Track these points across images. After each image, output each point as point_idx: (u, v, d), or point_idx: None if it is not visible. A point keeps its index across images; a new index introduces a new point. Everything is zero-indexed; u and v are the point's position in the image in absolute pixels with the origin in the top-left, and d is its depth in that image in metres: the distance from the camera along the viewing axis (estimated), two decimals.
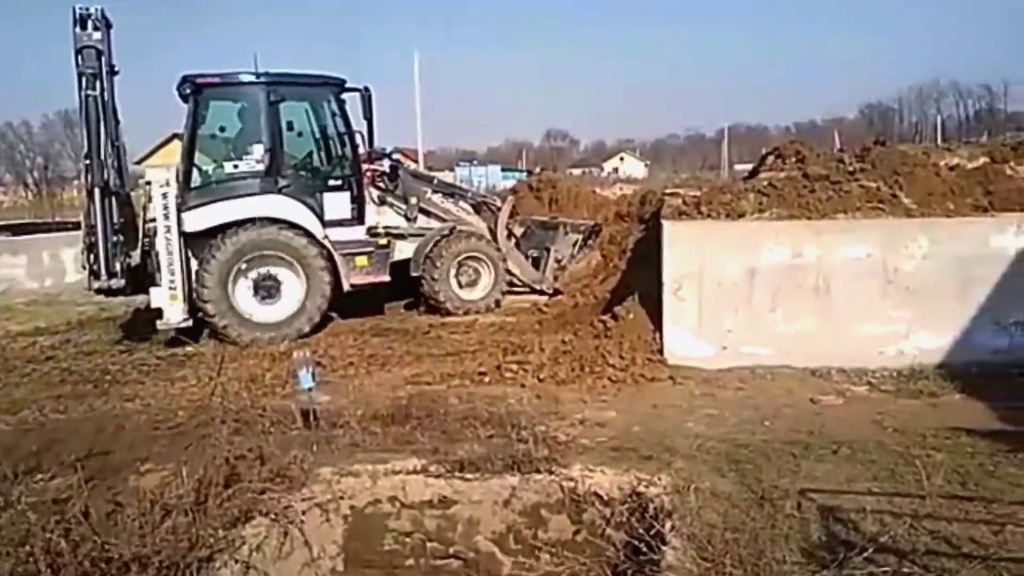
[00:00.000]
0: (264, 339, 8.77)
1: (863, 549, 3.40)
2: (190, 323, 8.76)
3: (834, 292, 6.57)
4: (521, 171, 68.70)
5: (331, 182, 9.77)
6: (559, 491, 4.47)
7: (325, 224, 9.45)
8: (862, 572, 3.28)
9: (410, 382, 6.89)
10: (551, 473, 4.54)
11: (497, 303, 10.57)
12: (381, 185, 10.34)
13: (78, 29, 8.32)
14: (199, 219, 8.89)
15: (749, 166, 16.38)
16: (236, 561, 3.82)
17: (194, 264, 8.93)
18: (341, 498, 4.50)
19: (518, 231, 11.72)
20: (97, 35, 8.37)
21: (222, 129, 9.49)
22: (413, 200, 10.42)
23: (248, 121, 9.41)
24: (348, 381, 6.97)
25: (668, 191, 10.49)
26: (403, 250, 10.26)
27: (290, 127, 9.59)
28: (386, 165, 10.69)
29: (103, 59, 8.47)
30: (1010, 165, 10.03)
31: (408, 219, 10.37)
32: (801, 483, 4.26)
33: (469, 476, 4.58)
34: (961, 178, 7.41)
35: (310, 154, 10.03)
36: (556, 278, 11.13)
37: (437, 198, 10.82)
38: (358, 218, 9.83)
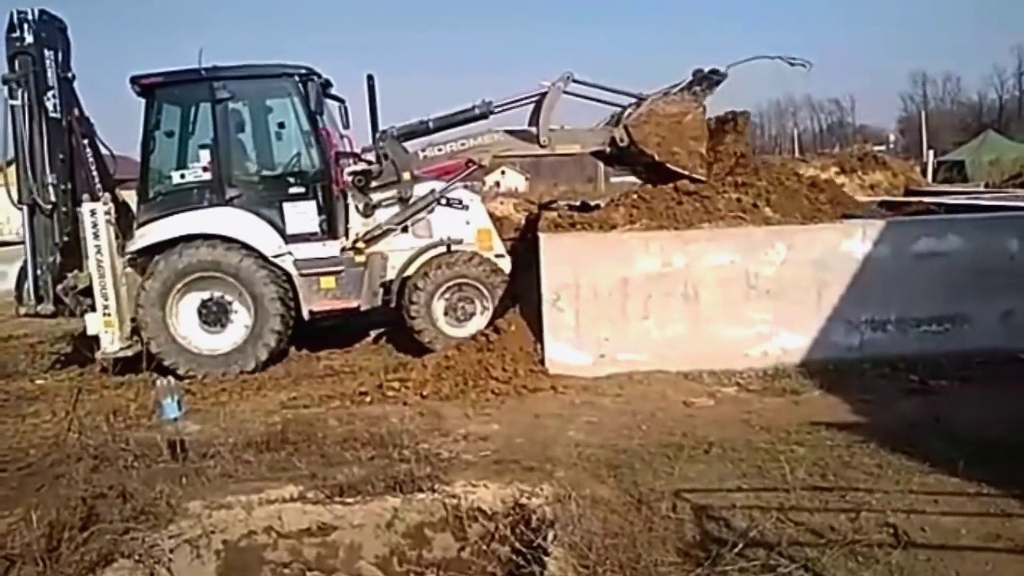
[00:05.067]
0: (202, 372, 7.85)
1: (734, 545, 3.55)
2: (130, 352, 7.90)
3: (702, 298, 6.86)
4: None
5: (293, 190, 8.26)
6: (442, 509, 4.42)
7: (288, 239, 8.17)
8: (734, 568, 3.41)
9: (286, 406, 6.66)
10: (434, 491, 4.48)
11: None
12: (371, 187, 8.53)
13: (13, 34, 7.64)
14: (144, 236, 8.06)
15: (624, 179, 16.94)
16: None
17: None
18: (213, 532, 4.26)
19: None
20: (30, 39, 7.66)
21: (170, 134, 8.34)
22: (406, 175, 8.44)
23: (194, 124, 8.41)
24: (220, 408, 6.65)
25: (545, 203, 10.68)
26: (398, 262, 8.49)
27: (242, 128, 8.48)
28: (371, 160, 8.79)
29: (47, 65, 7.76)
30: (858, 174, 10.85)
31: (403, 200, 8.50)
32: (676, 484, 4.41)
33: (349, 500, 4.46)
34: (815, 187, 7.93)
35: (268, 158, 8.72)
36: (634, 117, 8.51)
37: (432, 150, 8.68)
38: (330, 231, 8.29)
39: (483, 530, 4.38)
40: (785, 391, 6.32)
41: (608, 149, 8.62)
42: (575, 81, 8.43)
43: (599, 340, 6.88)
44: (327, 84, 8.92)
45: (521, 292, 7.94)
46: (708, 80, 8.24)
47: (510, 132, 8.71)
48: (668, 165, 8.20)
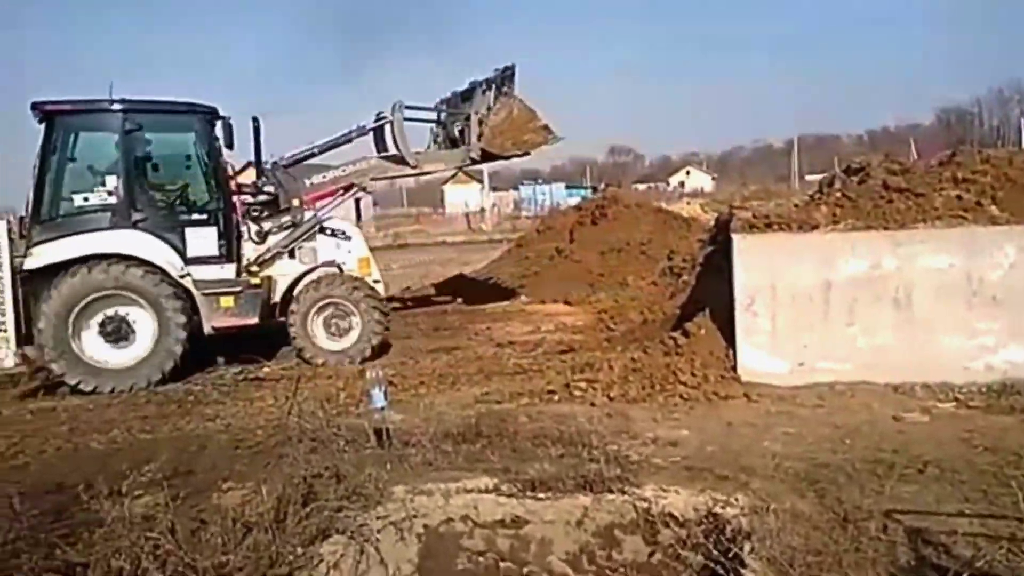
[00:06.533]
0: (107, 386, 8.16)
1: (957, 574, 3.24)
2: (24, 367, 8.32)
3: (916, 304, 6.33)
4: (585, 188, 68.85)
5: (195, 216, 8.97)
6: (632, 511, 4.41)
7: (188, 261, 8.72)
8: None
9: (479, 400, 6.92)
10: (624, 493, 4.48)
11: (368, 355, 9.16)
12: (261, 216, 9.51)
13: None
14: (41, 256, 8.29)
15: (820, 176, 15.99)
16: None
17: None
18: (415, 516, 4.51)
19: (443, 115, 11.03)
20: None
21: (73, 159, 8.69)
22: (295, 202, 9.49)
23: (101, 151, 8.83)
24: (419, 400, 7.03)
25: (736, 204, 10.34)
26: (284, 285, 9.41)
27: (149, 157, 8.93)
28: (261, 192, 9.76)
29: None
30: None
31: (296, 224, 9.47)
32: (886, 504, 4.08)
33: (541, 496, 4.55)
34: None
35: (172, 186, 9.25)
36: (480, 136, 10.24)
37: (318, 178, 9.96)
38: (227, 255, 9.01)
39: (674, 536, 4.31)
40: (1014, 409, 5.68)
41: (468, 163, 11.10)
42: (407, 107, 10.26)
43: (797, 347, 6.54)
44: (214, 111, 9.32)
45: (710, 296, 7.73)
46: (505, 76, 10.33)
47: (384, 158, 10.21)
48: (531, 151, 10.76)
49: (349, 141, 10.31)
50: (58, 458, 5.84)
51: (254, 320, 9.01)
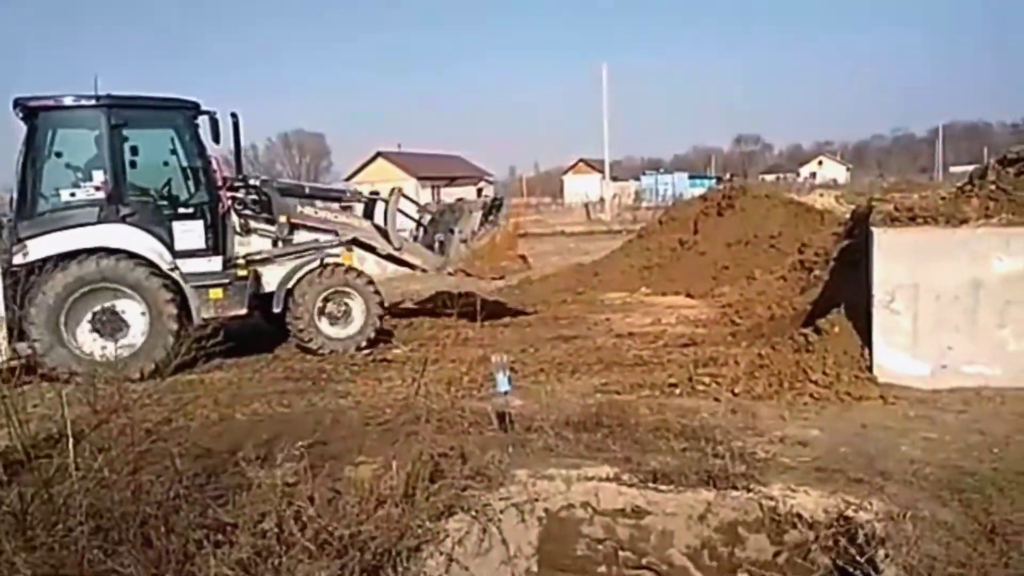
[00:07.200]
0: (102, 378, 7.86)
1: None
2: (16, 362, 7.91)
3: None
4: (710, 178, 67.14)
5: (182, 210, 9.05)
6: (758, 510, 4.31)
7: (176, 255, 8.81)
8: None
9: (599, 390, 6.92)
10: (749, 490, 4.39)
11: (371, 339, 9.63)
12: (246, 212, 9.62)
13: None
14: (30, 251, 8.29)
15: (968, 168, 14.85)
16: (440, 553, 4.03)
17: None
18: (536, 500, 4.60)
19: (426, 218, 11.52)
20: None
21: (59, 155, 8.72)
22: (283, 219, 9.64)
23: (88, 146, 8.83)
24: (540, 387, 7.09)
25: (877, 197, 9.82)
26: (272, 278, 9.56)
27: (135, 152, 8.90)
28: (250, 190, 9.90)
29: None
30: None
31: (278, 241, 9.69)
32: None
33: (663, 488, 4.53)
34: None
35: (158, 181, 9.19)
36: (461, 256, 10.56)
37: (310, 210, 10.05)
38: (214, 248, 9.13)
39: (801, 537, 4.19)
40: None
41: (440, 273, 11.07)
42: (403, 196, 10.92)
43: (940, 349, 6.17)
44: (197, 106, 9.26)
45: (845, 292, 7.40)
46: (495, 206, 11.04)
47: (375, 227, 10.50)
48: (504, 275, 11.49)
49: (339, 200, 11.19)
50: (208, 426, 6.30)
51: (243, 311, 9.23)
